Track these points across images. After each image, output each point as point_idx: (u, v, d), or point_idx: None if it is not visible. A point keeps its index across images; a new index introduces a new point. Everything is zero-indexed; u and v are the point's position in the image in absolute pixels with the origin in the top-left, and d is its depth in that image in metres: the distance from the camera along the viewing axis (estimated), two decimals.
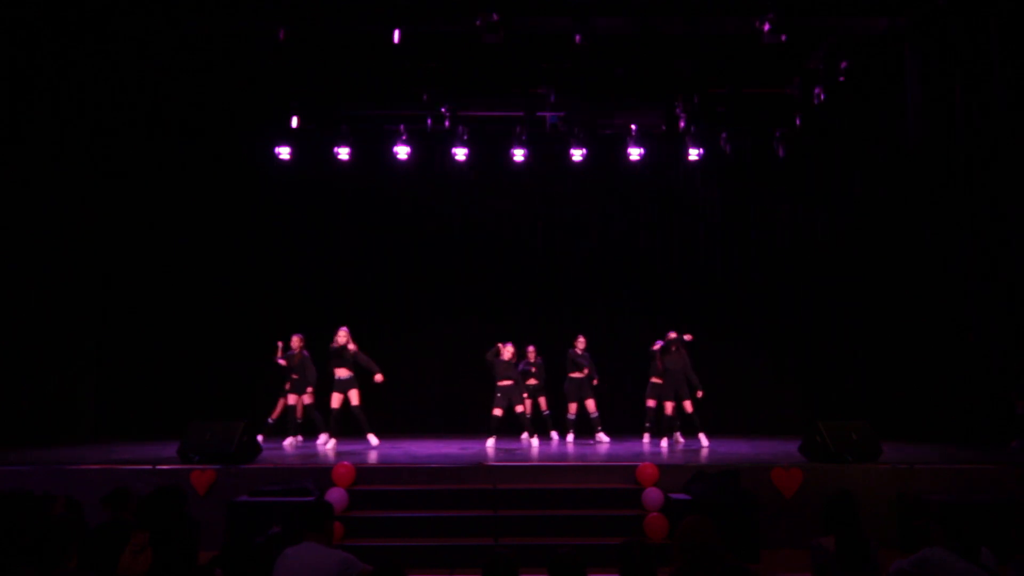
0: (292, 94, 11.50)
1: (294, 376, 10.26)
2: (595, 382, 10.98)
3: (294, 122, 11.65)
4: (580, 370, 10.88)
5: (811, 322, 12.84)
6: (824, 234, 13.01)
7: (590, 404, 10.84)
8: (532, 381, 11.16)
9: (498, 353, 10.23)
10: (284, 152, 11.84)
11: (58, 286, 11.05)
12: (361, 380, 10.07)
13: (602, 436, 10.72)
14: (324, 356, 10.20)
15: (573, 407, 10.94)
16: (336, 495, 7.13)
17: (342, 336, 9.95)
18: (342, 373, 9.92)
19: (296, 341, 10.34)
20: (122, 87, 11.36)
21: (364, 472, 7.67)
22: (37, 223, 10.71)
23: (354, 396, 9.94)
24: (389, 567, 3.66)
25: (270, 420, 10.50)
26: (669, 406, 10.25)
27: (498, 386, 10.20)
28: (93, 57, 10.75)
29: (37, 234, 10.71)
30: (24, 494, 4.89)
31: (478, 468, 7.83)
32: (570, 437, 10.90)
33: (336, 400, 9.94)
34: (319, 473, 7.54)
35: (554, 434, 11.25)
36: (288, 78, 11.16)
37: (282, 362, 10.23)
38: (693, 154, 11.92)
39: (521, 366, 10.96)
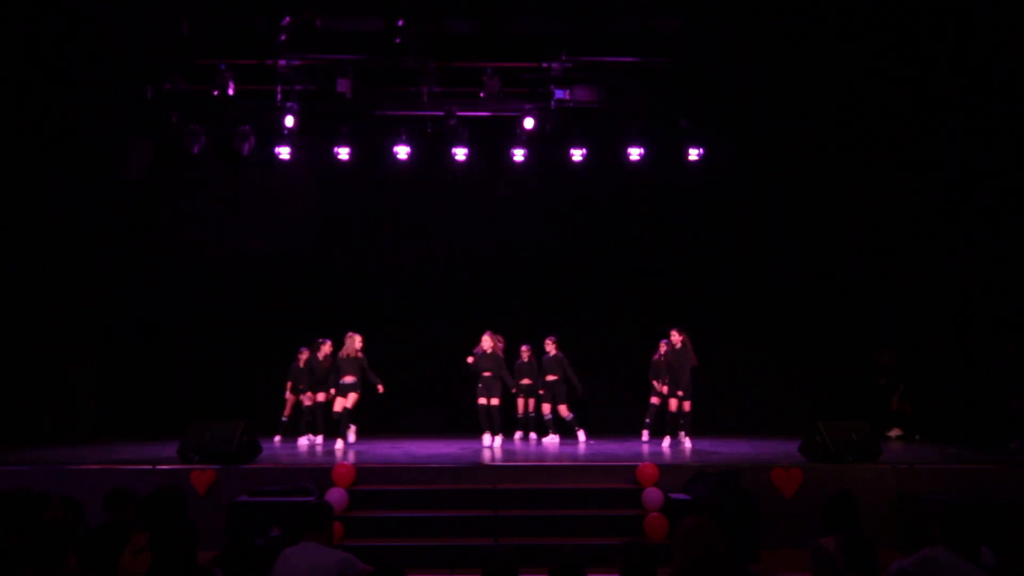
0: (292, 93, 11.48)
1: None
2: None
3: (294, 122, 11.62)
4: (554, 373, 10.83)
5: (811, 322, 12.83)
6: (824, 235, 12.99)
7: (562, 409, 10.78)
8: (525, 381, 11.12)
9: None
10: (284, 152, 11.84)
11: (58, 286, 11.05)
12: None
13: (580, 434, 10.72)
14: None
15: (547, 408, 10.91)
16: (336, 495, 7.13)
17: (358, 343, 10.18)
18: (348, 378, 10.10)
19: (328, 347, 10.62)
20: (121, 86, 11.34)
21: (364, 472, 7.67)
22: (37, 223, 10.72)
23: (351, 400, 10.13)
24: (389, 567, 3.67)
25: (284, 418, 10.87)
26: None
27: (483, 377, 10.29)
28: (92, 55, 10.73)
29: (37, 234, 10.71)
30: (21, 493, 4.89)
31: (478, 468, 7.83)
32: (553, 438, 10.79)
33: (339, 404, 10.14)
34: (319, 473, 7.54)
35: (532, 435, 11.13)
36: (288, 76, 11.14)
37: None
38: (693, 154, 11.92)
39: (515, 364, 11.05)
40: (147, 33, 9.93)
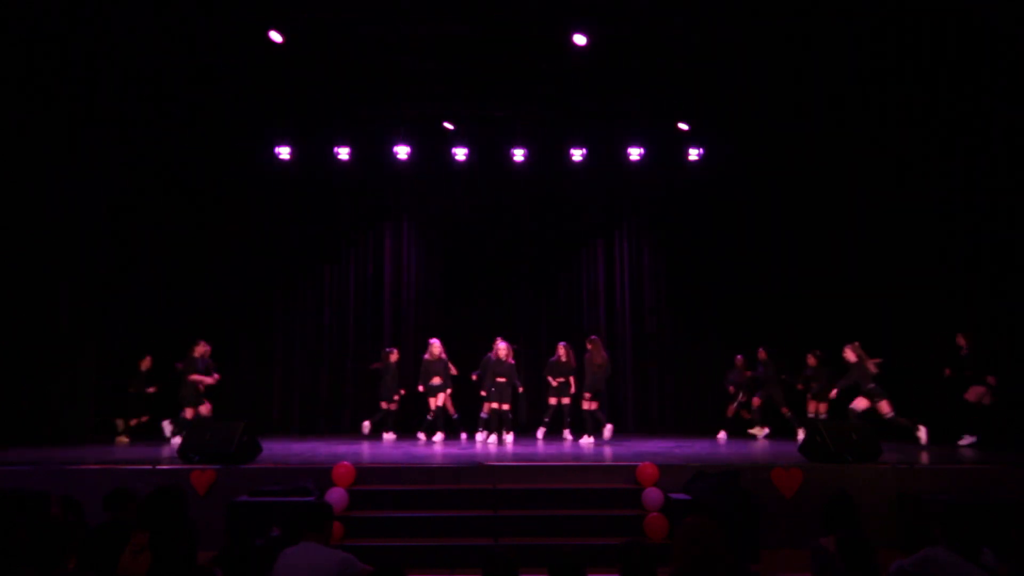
0: (292, 94, 11.49)
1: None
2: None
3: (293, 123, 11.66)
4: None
5: (811, 322, 12.82)
6: (824, 235, 12.99)
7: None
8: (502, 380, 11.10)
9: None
10: (284, 152, 11.86)
11: (58, 286, 11.05)
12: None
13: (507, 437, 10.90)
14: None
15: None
16: (336, 495, 7.13)
17: (437, 348, 10.72)
18: (437, 380, 10.65)
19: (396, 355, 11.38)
20: (122, 87, 11.34)
21: (364, 472, 7.66)
22: (37, 223, 10.72)
23: (442, 399, 10.73)
24: (389, 567, 3.67)
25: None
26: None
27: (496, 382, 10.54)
28: (94, 55, 10.74)
29: (37, 234, 10.72)
30: (21, 493, 4.89)
31: (478, 468, 7.83)
32: (497, 437, 10.75)
33: (433, 403, 10.67)
34: (319, 473, 7.53)
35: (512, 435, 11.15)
36: (288, 78, 11.14)
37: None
38: (693, 154, 11.92)
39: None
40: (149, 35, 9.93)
